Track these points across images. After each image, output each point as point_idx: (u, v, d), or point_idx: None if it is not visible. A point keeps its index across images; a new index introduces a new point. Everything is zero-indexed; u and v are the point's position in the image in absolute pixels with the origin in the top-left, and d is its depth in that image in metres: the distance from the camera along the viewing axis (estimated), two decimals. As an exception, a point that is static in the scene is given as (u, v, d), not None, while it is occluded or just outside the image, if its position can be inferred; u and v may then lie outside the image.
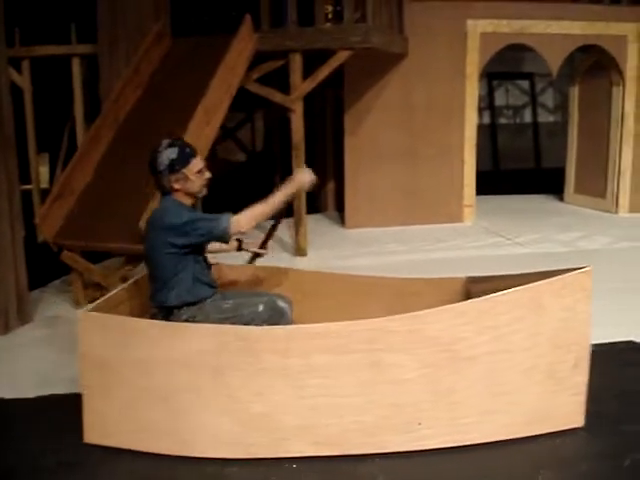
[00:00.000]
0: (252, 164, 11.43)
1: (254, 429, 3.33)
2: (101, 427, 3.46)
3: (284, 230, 8.01)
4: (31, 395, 4.04)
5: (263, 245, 4.34)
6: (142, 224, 4.90)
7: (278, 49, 7.09)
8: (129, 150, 5.95)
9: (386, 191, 8.47)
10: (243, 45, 6.56)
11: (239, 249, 4.18)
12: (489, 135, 12.93)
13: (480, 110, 13.06)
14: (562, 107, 11.30)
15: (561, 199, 10.11)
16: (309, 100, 7.78)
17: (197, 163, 3.59)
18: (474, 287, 4.06)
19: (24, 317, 5.37)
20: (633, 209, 9.13)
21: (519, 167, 12.55)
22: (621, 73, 9.07)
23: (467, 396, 3.36)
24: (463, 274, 4.29)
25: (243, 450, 3.34)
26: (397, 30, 8.16)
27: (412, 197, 8.37)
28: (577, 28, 8.83)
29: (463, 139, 8.69)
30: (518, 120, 13.40)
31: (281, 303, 3.72)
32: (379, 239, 6.87)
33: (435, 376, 3.32)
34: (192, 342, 3.30)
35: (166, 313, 3.61)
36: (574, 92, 9.89)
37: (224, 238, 3.54)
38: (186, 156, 3.56)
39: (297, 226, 7.30)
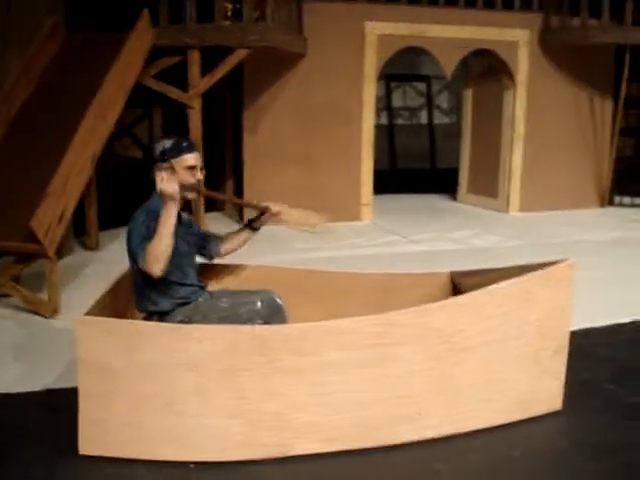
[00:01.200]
0: (149, 161, 11.27)
1: (265, 429, 3.29)
2: (100, 437, 3.28)
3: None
4: None
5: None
6: (34, 223, 4.78)
7: (176, 45, 7.03)
8: (22, 147, 5.78)
9: (285, 190, 8.49)
10: (140, 40, 6.48)
11: (253, 230, 4.07)
12: (387, 135, 13.17)
13: (378, 111, 13.31)
14: (457, 109, 11.61)
15: (455, 199, 10.40)
16: (209, 97, 7.74)
17: (190, 159, 3.46)
18: (463, 281, 4.22)
19: None
20: (523, 208, 9.52)
21: (416, 167, 12.84)
22: (512, 77, 9.42)
23: (466, 385, 3.50)
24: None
25: (253, 451, 3.29)
26: (296, 30, 8.22)
27: (310, 196, 8.41)
28: (471, 33, 9.12)
29: (361, 139, 8.84)
30: (415, 121, 13.70)
31: (277, 299, 3.64)
32: (276, 236, 6.87)
33: (438, 367, 3.43)
34: (203, 344, 3.19)
35: (159, 317, 3.49)
36: (467, 95, 10.21)
37: (143, 270, 3.27)
38: (179, 148, 3.45)
39: (195, 224, 7.24)
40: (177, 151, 3.43)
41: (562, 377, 3.71)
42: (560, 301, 3.65)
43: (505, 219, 9.23)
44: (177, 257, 3.38)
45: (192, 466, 3.20)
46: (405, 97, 13.63)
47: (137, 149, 11.58)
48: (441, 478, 3.16)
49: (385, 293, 4.29)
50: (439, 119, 13.76)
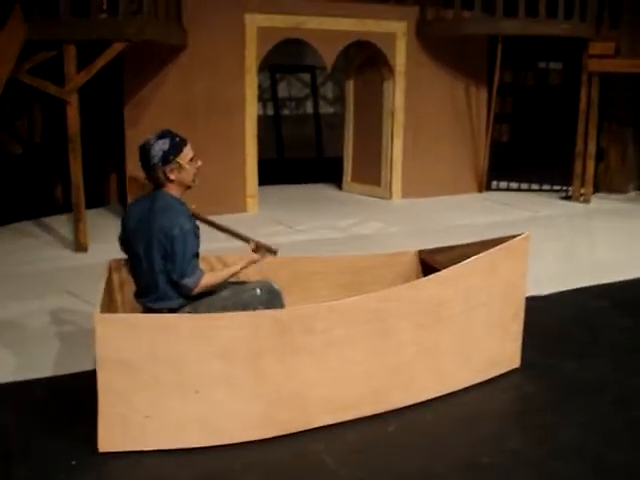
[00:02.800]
0: (29, 156, 10.96)
1: (284, 407, 3.54)
2: (121, 433, 3.36)
3: (64, 226, 7.82)
4: None
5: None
6: None
7: (51, 39, 6.88)
8: None
9: (170, 183, 8.46)
10: (11, 35, 6.32)
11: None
12: (273, 126, 13.24)
13: (264, 102, 13.38)
14: (341, 99, 11.77)
15: (341, 187, 10.59)
16: (88, 91, 7.60)
17: (188, 151, 3.65)
18: (431, 258, 4.66)
19: None
20: (405, 195, 9.81)
21: (302, 156, 12.96)
22: (391, 68, 9.65)
23: (449, 350, 3.96)
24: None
25: (274, 429, 3.53)
26: (176, 21, 8.16)
27: (195, 189, 8.36)
28: (350, 25, 9.28)
29: (244, 131, 8.88)
30: (301, 111, 13.83)
31: (275, 286, 3.85)
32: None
33: (426, 336, 3.84)
34: (227, 331, 3.36)
35: (168, 312, 3.61)
36: (349, 85, 10.39)
37: (179, 283, 3.55)
38: (178, 145, 3.61)
39: (76, 222, 7.13)
40: (178, 147, 3.61)
41: (520, 338, 4.31)
42: (518, 270, 4.21)
43: (388, 206, 9.49)
44: None
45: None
46: (290, 88, 13.73)
47: (17, 145, 11.24)
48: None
49: (357, 274, 4.61)
50: (325, 109, 13.93)
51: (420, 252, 4.80)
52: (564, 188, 10.34)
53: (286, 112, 13.70)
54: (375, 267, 4.67)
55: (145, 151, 3.61)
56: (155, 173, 3.61)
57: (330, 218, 8.58)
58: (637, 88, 10.71)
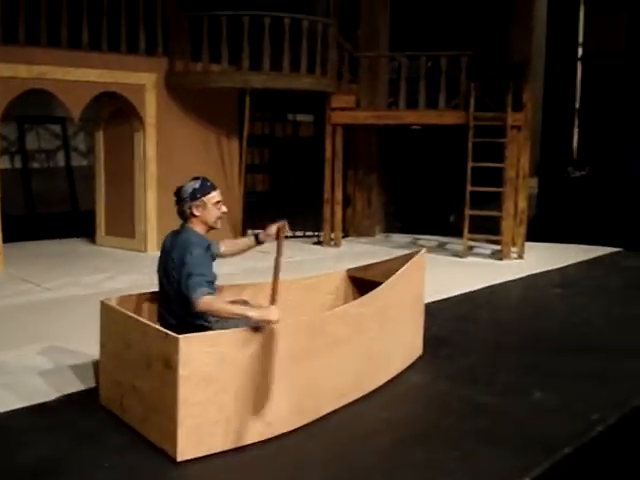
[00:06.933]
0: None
1: (310, 399, 4.30)
2: (196, 440, 3.78)
3: None
4: None
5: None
6: None
7: None
8: None
9: None
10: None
11: (258, 243, 4.74)
12: (21, 179, 12.61)
13: (11, 154, 12.74)
14: (94, 151, 11.47)
15: (94, 241, 10.28)
16: None
17: (216, 196, 4.30)
18: (360, 274, 5.72)
19: None
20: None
21: (56, 211, 12.46)
22: (141, 120, 9.60)
23: (391, 343, 5.10)
24: None
25: (299, 419, 4.21)
26: None
27: None
28: (97, 76, 9.15)
29: (-16, 185, 8.39)
30: (52, 164, 13.31)
31: None
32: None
33: (382, 332, 4.95)
34: (280, 338, 4.04)
35: (204, 329, 4.09)
36: (99, 137, 10.22)
37: (189, 297, 3.95)
38: (207, 188, 4.28)
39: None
40: (206, 190, 4.27)
41: (422, 332, 5.62)
42: (420, 279, 5.56)
43: (142, 259, 9.31)
44: None
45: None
46: (40, 139, 13.19)
47: None
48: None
49: (305, 293, 5.46)
50: (78, 161, 13.50)
51: (348, 270, 5.82)
52: (316, 234, 10.77)
53: (36, 165, 13.12)
54: (315, 286, 5.59)
55: (179, 188, 4.30)
56: (182, 207, 4.25)
57: (80, 274, 8.27)
58: (378, 138, 11.49)
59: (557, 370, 5.46)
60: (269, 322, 3.95)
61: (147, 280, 7.85)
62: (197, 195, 4.22)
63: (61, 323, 6.35)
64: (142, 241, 9.72)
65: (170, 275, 4.17)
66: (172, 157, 9.80)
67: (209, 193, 4.26)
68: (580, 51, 16.41)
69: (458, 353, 5.80)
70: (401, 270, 5.15)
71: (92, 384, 4.81)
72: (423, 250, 5.63)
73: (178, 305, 4.17)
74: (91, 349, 4.95)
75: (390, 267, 5.37)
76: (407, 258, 5.44)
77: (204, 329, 4.11)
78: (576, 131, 16.57)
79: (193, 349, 3.73)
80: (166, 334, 3.83)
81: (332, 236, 10.53)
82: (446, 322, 6.63)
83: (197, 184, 4.26)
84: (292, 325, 4.21)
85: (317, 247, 10.30)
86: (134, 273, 8.31)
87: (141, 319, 4.20)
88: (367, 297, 4.82)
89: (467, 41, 10.59)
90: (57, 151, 13.35)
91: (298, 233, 10.90)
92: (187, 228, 4.26)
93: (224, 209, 4.35)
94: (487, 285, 8.31)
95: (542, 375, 5.32)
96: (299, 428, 4.20)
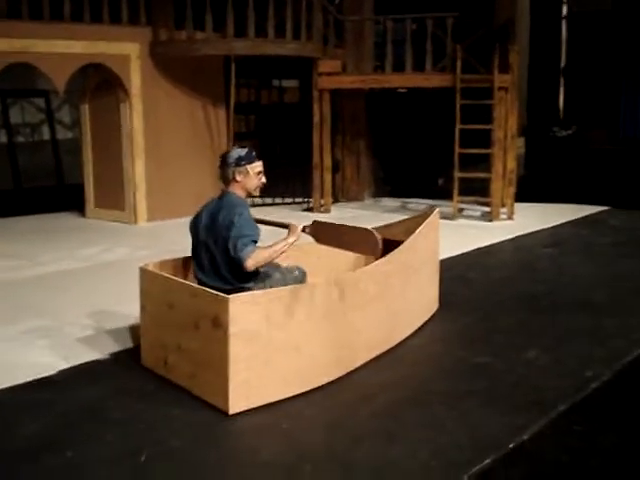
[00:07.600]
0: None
1: (346, 351, 4.58)
2: (245, 394, 4.01)
3: None
4: None
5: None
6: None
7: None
8: None
9: None
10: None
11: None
12: (7, 154, 12.50)
13: (-5, 129, 12.63)
14: (80, 124, 11.38)
15: (84, 215, 10.25)
16: None
17: (259, 166, 4.55)
18: (389, 231, 5.58)
19: None
20: (151, 218, 9.71)
21: (42, 185, 12.38)
22: (127, 91, 9.52)
23: (416, 296, 5.47)
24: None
25: (338, 370, 4.52)
26: None
27: None
28: (80, 47, 9.04)
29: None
30: (37, 138, 13.20)
31: (303, 268, 4.81)
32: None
33: (407, 288, 5.25)
34: (317, 296, 4.34)
35: (241, 290, 4.29)
36: (85, 109, 10.11)
37: (237, 258, 4.26)
38: (251, 157, 4.52)
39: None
40: (251, 158, 4.51)
41: (437, 287, 5.91)
42: (435, 237, 5.82)
43: (134, 231, 9.32)
44: None
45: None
46: (24, 113, 13.06)
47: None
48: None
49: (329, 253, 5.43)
50: (63, 134, 13.39)
51: (374, 229, 5.71)
52: (306, 200, 10.77)
53: (21, 139, 13.01)
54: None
55: (225, 153, 4.57)
56: (226, 171, 4.47)
57: (73, 248, 8.25)
58: (366, 102, 11.46)
59: (550, 329, 5.56)
60: (302, 231, 4.57)
61: (144, 251, 7.92)
62: (242, 162, 4.45)
63: (70, 294, 6.45)
64: (132, 213, 9.69)
65: (219, 237, 4.36)
66: (159, 127, 9.75)
67: (253, 162, 4.50)
68: (564, 10, 16.38)
69: (452, 315, 5.87)
70: (419, 229, 5.39)
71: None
72: (437, 209, 5.86)
73: (225, 267, 4.41)
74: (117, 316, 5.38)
75: (408, 226, 5.61)
76: (424, 217, 5.67)
77: (246, 290, 4.34)
78: (562, 91, 16.60)
79: (241, 308, 3.96)
80: (216, 295, 4.06)
81: (322, 202, 10.53)
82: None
83: (243, 152, 4.50)
84: (327, 283, 4.47)
85: (307, 213, 10.29)
86: (128, 244, 8.32)
87: (186, 282, 4.44)
88: (392, 255, 5.00)
89: (452, 2, 10.50)
90: (42, 124, 13.23)
91: (287, 200, 10.89)
92: (229, 192, 4.49)
93: (264, 179, 4.59)
94: (478, 247, 8.38)
95: (535, 334, 5.42)
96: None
